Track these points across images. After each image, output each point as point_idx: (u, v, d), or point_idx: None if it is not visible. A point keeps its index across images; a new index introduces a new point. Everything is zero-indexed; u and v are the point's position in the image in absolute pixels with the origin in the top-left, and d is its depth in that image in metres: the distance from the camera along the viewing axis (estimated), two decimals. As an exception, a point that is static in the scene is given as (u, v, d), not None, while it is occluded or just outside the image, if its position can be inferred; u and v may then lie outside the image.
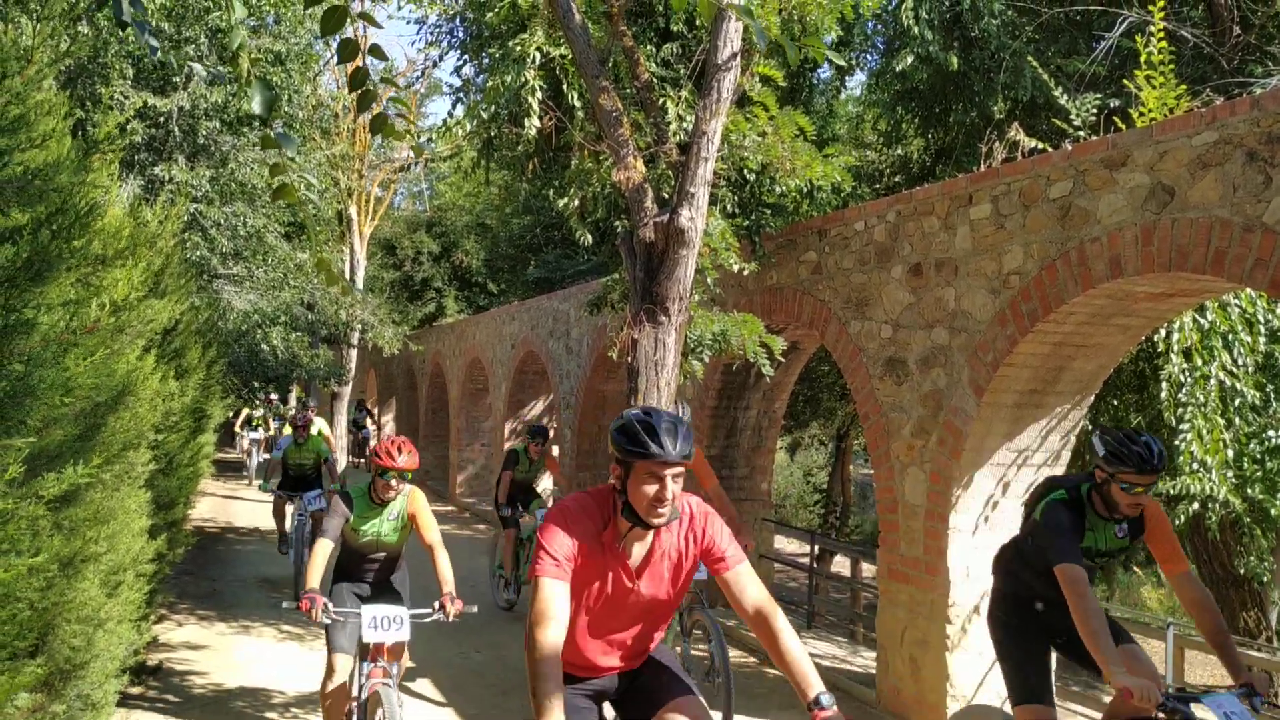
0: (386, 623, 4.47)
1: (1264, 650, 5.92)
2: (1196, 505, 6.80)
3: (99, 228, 3.35)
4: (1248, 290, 6.38)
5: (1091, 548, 3.81)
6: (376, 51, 2.60)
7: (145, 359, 3.95)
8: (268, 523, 12.37)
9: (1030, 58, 8.54)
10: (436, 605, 4.57)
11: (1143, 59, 6.56)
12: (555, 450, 12.63)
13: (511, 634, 7.96)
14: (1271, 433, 6.74)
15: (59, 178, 2.71)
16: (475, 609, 4.67)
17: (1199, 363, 6.48)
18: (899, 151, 12.01)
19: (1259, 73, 8.26)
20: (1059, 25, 9.55)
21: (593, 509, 2.68)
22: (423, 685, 6.56)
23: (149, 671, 6.55)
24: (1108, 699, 7.49)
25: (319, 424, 12.92)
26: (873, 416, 6.67)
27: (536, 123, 6.37)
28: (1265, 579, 8.35)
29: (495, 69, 6.64)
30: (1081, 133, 7.20)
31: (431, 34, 7.92)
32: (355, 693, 4.69)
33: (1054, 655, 4.28)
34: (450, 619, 4.53)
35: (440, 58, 8.02)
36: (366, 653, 4.58)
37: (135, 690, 6.16)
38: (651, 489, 2.52)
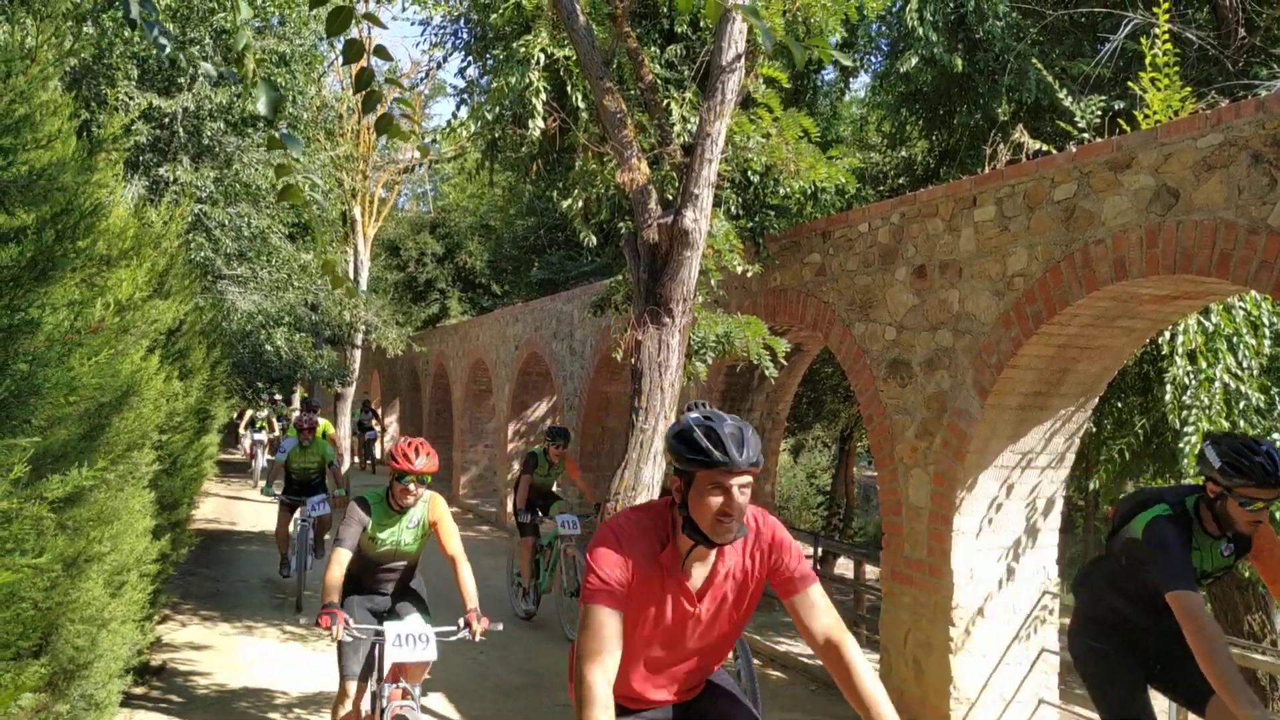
0: (412, 641, 4.17)
1: (1269, 654, 5.90)
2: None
3: (104, 228, 3.35)
4: (1253, 293, 6.36)
5: (1198, 569, 3.43)
6: (381, 52, 2.61)
7: (150, 359, 3.95)
8: (271, 524, 12.36)
9: (1035, 60, 8.53)
10: (462, 623, 4.28)
11: (1147, 61, 6.55)
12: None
13: (516, 637, 7.95)
14: (1276, 436, 6.71)
15: (64, 178, 2.71)
16: (500, 626, 4.42)
17: (1203, 365, 6.46)
18: (903, 153, 12.00)
19: (1264, 75, 8.25)
20: (1063, 27, 9.54)
21: (649, 527, 2.43)
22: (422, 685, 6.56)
23: (152, 672, 6.56)
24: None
25: (324, 425, 12.87)
26: (876, 418, 6.66)
27: (541, 124, 6.38)
28: (1270, 582, 8.30)
29: (499, 70, 6.65)
30: (1086, 135, 7.18)
31: (436, 35, 7.95)
32: (376, 717, 4.39)
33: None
34: (476, 639, 4.24)
35: (444, 59, 8.05)
36: (376, 670, 4.33)
37: (139, 690, 6.17)
38: (716, 502, 2.27)
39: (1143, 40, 6.70)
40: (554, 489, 8.89)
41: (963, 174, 9.19)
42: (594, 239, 6.99)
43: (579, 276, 17.87)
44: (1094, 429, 7.71)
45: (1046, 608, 6.34)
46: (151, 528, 4.47)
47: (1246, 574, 7.20)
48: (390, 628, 4.22)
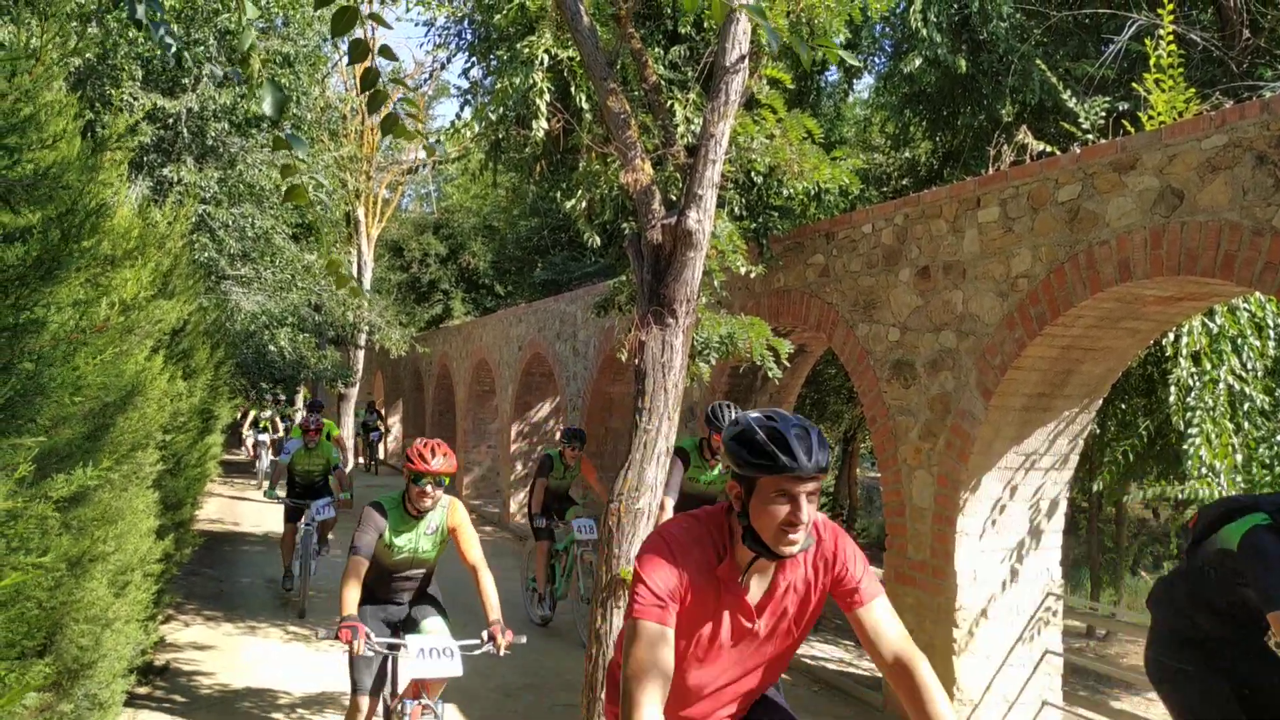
0: (435, 654, 3.96)
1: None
2: (1205, 510, 6.76)
3: (108, 228, 3.36)
4: (1257, 294, 6.35)
5: None
6: (386, 52, 2.61)
7: (154, 359, 3.96)
8: (275, 525, 12.39)
9: (1039, 61, 8.53)
10: (486, 635, 4.07)
11: (1152, 62, 6.54)
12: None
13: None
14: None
15: (69, 177, 2.72)
16: (524, 639, 4.22)
17: (1208, 367, 6.45)
18: (907, 154, 12.00)
19: (1268, 76, 8.24)
20: (1068, 28, 9.53)
21: (703, 537, 2.21)
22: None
23: (156, 671, 6.57)
24: (1115, 704, 7.46)
25: (329, 426, 12.80)
26: (880, 419, 6.66)
27: (544, 125, 6.38)
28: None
29: (503, 71, 6.65)
30: (1090, 136, 7.18)
31: (440, 36, 7.96)
32: None
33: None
34: (501, 653, 4.04)
35: (448, 60, 8.05)
36: (391, 683, 4.19)
37: (142, 690, 6.18)
38: (782, 510, 2.05)
39: (1147, 41, 6.70)
40: (569, 492, 8.65)
41: (966, 175, 9.19)
42: (597, 240, 6.99)
43: (582, 277, 17.88)
44: (1098, 430, 7.71)
45: (1050, 609, 6.33)
46: (155, 528, 4.47)
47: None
48: (413, 641, 4.03)
